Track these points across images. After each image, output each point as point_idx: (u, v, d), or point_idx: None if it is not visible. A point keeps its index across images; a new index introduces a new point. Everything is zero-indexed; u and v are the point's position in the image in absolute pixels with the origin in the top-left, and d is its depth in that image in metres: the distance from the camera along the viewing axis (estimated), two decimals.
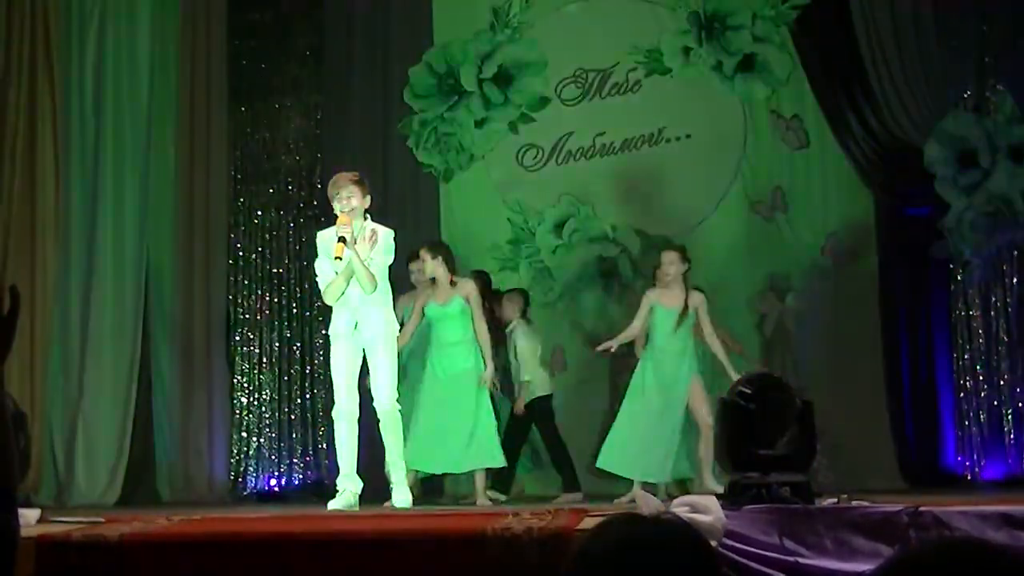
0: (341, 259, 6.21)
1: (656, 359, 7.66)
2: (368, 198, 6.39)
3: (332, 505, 6.33)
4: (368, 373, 6.57)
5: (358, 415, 6.53)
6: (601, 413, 9.07)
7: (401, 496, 6.56)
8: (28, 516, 4.83)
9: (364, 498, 6.65)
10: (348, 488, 6.40)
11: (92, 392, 8.62)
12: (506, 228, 9.45)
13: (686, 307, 7.59)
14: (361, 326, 6.32)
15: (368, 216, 6.42)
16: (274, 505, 8.46)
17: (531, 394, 8.08)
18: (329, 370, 9.15)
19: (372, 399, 6.57)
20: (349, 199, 6.27)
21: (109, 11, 8.99)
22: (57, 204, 8.80)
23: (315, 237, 9.40)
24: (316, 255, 6.51)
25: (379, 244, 6.32)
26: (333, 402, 6.68)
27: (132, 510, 6.98)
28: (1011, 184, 8.52)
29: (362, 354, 6.49)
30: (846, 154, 9.13)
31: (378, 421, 6.62)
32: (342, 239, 6.17)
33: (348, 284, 6.32)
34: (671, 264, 7.67)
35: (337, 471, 6.56)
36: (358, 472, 6.58)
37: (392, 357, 6.41)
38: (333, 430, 8.89)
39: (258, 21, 9.71)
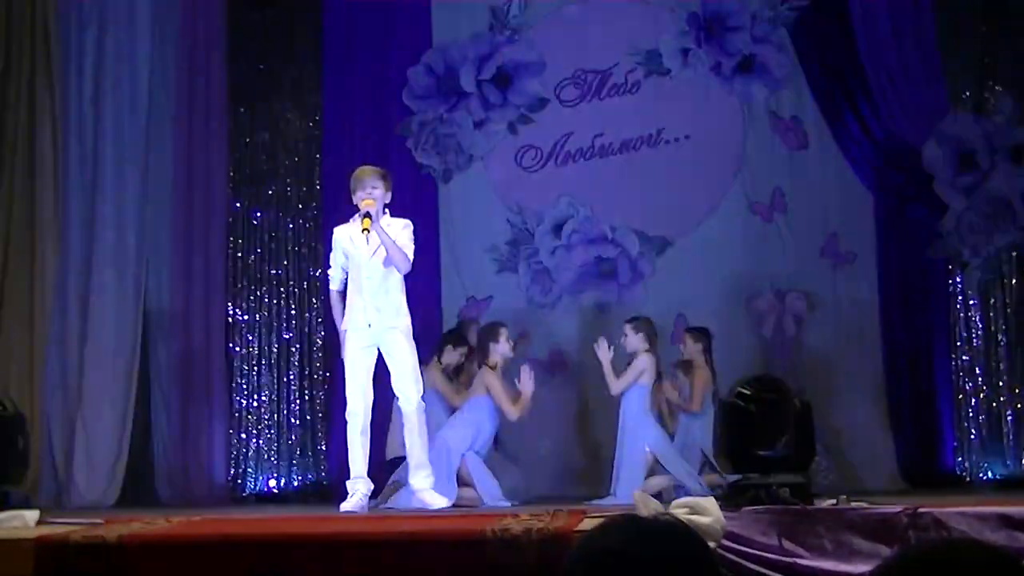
0: (368, 231, 6.12)
1: None
2: (390, 194, 6.33)
3: (344, 507, 6.17)
4: (386, 372, 6.33)
5: (370, 416, 6.27)
6: (599, 414, 9.07)
7: (431, 497, 6.25)
8: (27, 518, 4.83)
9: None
10: (359, 490, 6.21)
11: (91, 393, 8.62)
12: (505, 229, 9.43)
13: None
14: (375, 323, 6.18)
15: (388, 211, 6.37)
16: (273, 506, 8.45)
17: None
18: (327, 370, 9.23)
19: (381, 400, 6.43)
20: (373, 189, 6.21)
21: (108, 12, 9.00)
22: (56, 206, 8.80)
23: (314, 238, 9.43)
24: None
25: (400, 232, 6.24)
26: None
27: (131, 511, 6.95)
28: (1010, 185, 8.52)
29: (376, 352, 6.25)
30: (845, 155, 9.13)
31: (390, 422, 6.47)
32: (367, 215, 6.08)
33: (345, 270, 6.27)
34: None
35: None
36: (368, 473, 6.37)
37: (412, 351, 6.14)
38: (332, 431, 8.98)
39: (257, 22, 9.70)
